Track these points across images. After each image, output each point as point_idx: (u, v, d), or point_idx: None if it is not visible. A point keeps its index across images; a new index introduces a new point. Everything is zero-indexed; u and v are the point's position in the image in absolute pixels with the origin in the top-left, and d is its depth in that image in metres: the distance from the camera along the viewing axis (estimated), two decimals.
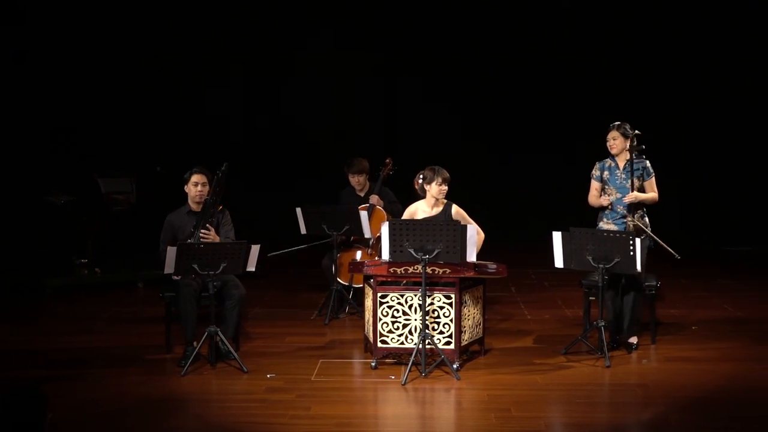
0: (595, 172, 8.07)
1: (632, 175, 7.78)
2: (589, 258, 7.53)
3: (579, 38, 13.22)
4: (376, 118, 13.25)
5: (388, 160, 9.22)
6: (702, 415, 6.66)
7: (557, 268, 7.83)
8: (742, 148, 12.71)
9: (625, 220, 7.82)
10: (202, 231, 7.62)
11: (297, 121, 13.41)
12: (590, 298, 8.16)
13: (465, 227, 7.31)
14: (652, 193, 7.93)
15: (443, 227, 7.23)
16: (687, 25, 12.98)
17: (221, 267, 7.28)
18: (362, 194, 9.34)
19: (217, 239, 7.71)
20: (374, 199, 9.15)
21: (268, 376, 7.36)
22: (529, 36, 13.32)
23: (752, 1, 12.74)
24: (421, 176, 7.93)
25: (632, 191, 7.80)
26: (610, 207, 7.94)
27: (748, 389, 7.05)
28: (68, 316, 9.35)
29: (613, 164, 7.99)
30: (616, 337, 7.92)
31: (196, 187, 7.82)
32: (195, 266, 7.24)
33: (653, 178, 7.96)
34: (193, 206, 7.88)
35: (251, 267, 7.49)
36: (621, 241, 7.43)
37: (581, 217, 8.39)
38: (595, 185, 8.08)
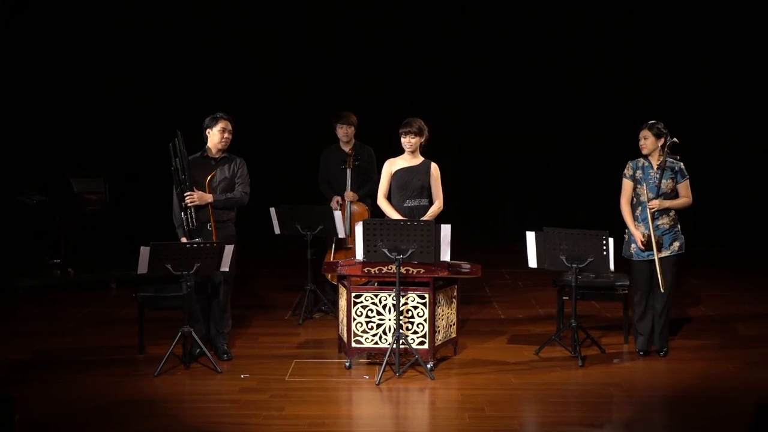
0: (628, 171, 7.77)
1: (660, 179, 7.59)
2: (563, 258, 7.54)
3: (567, 39, 13.15)
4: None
5: (349, 150, 9.16)
6: (676, 414, 6.70)
7: (531, 268, 7.84)
8: (710, 151, 12.73)
9: (653, 223, 7.61)
10: (186, 195, 7.53)
11: (270, 120, 13.34)
12: (563, 297, 8.16)
13: (439, 227, 7.30)
14: (684, 199, 7.69)
15: (417, 227, 7.21)
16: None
17: (195, 267, 7.24)
18: (347, 148, 9.22)
19: (207, 198, 7.57)
20: (349, 195, 9.10)
21: (242, 376, 7.33)
22: (516, 41, 13.27)
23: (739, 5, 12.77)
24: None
25: (657, 198, 7.60)
26: (640, 209, 7.70)
27: (721, 388, 7.08)
28: (41, 317, 9.28)
29: (646, 164, 7.71)
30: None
31: (222, 133, 7.69)
32: (168, 266, 7.20)
33: (687, 181, 7.70)
34: (213, 151, 7.76)
35: (225, 267, 7.44)
36: (594, 241, 7.44)
37: (554, 217, 8.42)
38: (627, 184, 7.77)
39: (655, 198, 7.60)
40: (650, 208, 7.58)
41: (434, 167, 8.04)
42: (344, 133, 9.21)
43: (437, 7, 13.18)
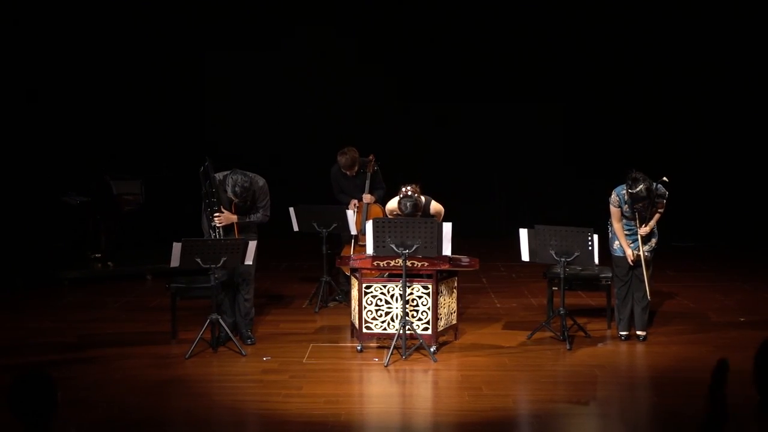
0: (615, 200, 7.63)
1: (650, 210, 7.54)
2: (552, 252, 7.52)
3: (573, 37, 12.84)
4: (355, 114, 12.87)
5: (371, 157, 9.11)
6: (654, 392, 6.71)
7: (524, 262, 7.83)
8: (687, 149, 12.63)
9: (637, 240, 7.59)
10: (214, 216, 7.54)
11: (283, 128, 13.19)
12: (553, 288, 8.14)
13: (441, 224, 7.29)
14: (657, 214, 7.62)
15: (422, 225, 7.19)
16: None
17: (222, 261, 7.23)
18: (352, 174, 9.13)
19: (233, 218, 7.55)
20: (367, 198, 9.05)
21: (264, 358, 7.33)
22: (521, 38, 12.94)
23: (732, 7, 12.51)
24: (401, 193, 7.63)
25: (647, 225, 7.55)
26: (623, 222, 7.65)
27: (694, 369, 7.04)
28: (83, 305, 9.27)
29: (628, 197, 7.58)
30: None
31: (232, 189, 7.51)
32: (198, 260, 7.19)
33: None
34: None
35: (249, 261, 7.44)
36: (580, 237, 7.42)
37: (545, 215, 8.39)
38: (615, 210, 7.65)
39: (645, 224, 7.58)
40: (642, 234, 7.56)
41: (434, 208, 7.86)
42: (350, 173, 9.06)
43: (439, 6, 12.98)
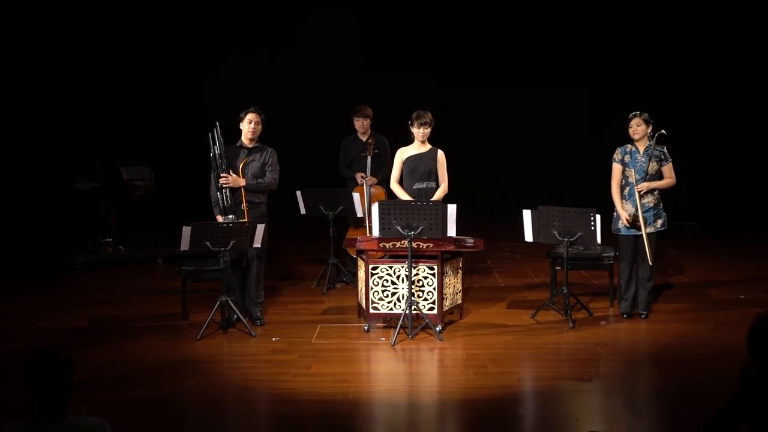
0: (617, 156, 7.74)
1: (648, 163, 7.58)
2: (555, 233, 7.55)
3: (577, 22, 12.86)
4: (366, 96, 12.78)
5: (370, 140, 9.16)
6: (655, 369, 6.76)
7: (527, 242, 7.86)
8: (689, 129, 12.58)
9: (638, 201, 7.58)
10: (222, 176, 7.58)
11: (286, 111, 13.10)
12: (556, 268, 8.18)
13: (446, 206, 7.32)
14: (668, 179, 7.68)
15: (427, 207, 7.23)
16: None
17: (231, 244, 7.27)
18: (364, 138, 9.24)
19: (240, 182, 7.62)
20: (370, 180, 9.10)
21: (273, 339, 7.39)
22: (527, 26, 12.92)
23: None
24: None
25: (644, 181, 7.58)
26: (628, 189, 7.67)
27: (694, 345, 7.11)
28: (96, 289, 9.34)
29: (633, 149, 7.70)
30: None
31: (249, 124, 7.71)
32: (207, 243, 7.24)
33: (670, 164, 7.69)
34: (245, 141, 7.78)
35: (257, 244, 7.48)
36: (583, 217, 7.45)
37: (548, 196, 8.42)
38: (617, 167, 7.74)
39: (643, 180, 7.60)
40: (638, 191, 7.58)
41: (440, 154, 8.03)
42: (361, 125, 9.22)
43: None
